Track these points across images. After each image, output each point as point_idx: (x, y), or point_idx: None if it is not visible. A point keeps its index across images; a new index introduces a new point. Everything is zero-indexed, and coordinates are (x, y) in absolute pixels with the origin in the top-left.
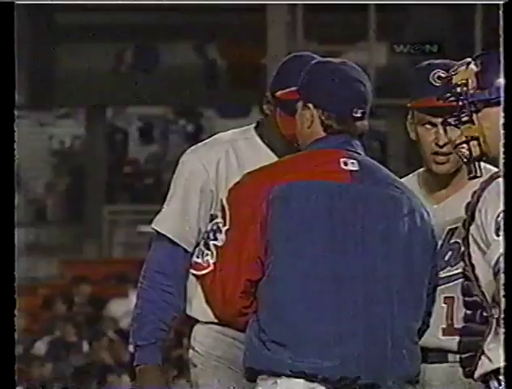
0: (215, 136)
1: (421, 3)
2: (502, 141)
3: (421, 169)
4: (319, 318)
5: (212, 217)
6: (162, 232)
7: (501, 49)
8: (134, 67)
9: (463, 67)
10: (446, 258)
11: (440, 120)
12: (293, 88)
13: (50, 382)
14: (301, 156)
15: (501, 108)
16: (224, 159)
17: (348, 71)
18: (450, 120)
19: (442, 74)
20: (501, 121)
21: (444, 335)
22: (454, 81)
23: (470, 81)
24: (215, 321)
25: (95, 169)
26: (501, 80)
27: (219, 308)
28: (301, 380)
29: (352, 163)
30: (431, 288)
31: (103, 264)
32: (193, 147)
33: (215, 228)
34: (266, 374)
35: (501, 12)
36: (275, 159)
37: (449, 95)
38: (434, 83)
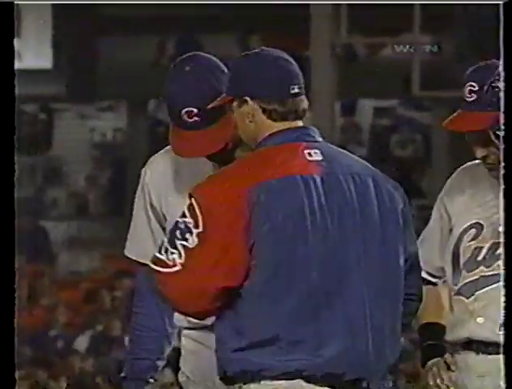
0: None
1: (424, 3)
2: (502, 140)
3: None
4: (304, 317)
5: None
6: (127, 255)
7: (501, 49)
8: (175, 59)
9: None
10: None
11: None
12: (224, 95)
13: (92, 377)
14: (267, 153)
15: None
16: (162, 169)
17: (271, 54)
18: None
19: (473, 88)
20: (501, 121)
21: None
22: None
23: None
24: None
25: (136, 162)
26: None
27: (184, 306)
28: (283, 381)
29: (316, 153)
30: (408, 269)
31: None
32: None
33: (182, 227)
34: (246, 378)
35: (501, 12)
36: (207, 162)
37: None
38: (468, 98)
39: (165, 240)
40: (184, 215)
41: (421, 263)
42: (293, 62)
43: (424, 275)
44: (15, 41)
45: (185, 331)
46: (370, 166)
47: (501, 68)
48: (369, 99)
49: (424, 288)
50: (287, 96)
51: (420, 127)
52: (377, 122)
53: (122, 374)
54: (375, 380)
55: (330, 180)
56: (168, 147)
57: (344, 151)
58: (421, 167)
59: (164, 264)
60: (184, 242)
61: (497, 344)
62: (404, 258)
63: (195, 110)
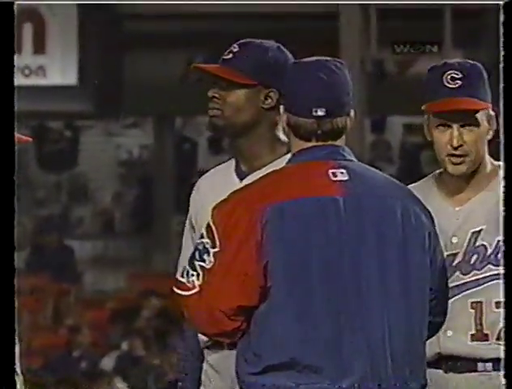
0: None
1: (424, 3)
2: (502, 141)
3: (437, 171)
4: (321, 341)
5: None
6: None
7: (501, 49)
8: (203, 76)
9: None
10: (472, 261)
11: (456, 124)
12: None
13: None
14: (289, 171)
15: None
16: (199, 192)
17: (312, 70)
18: None
19: (455, 75)
20: (501, 120)
21: (473, 340)
22: None
23: None
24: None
25: (163, 180)
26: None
27: (205, 328)
28: None
29: (342, 173)
30: (438, 295)
31: (172, 277)
32: None
33: (201, 248)
34: None
35: (501, 12)
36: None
37: None
38: (448, 84)
39: (187, 262)
40: (202, 236)
41: None
42: (335, 81)
43: None
44: (40, 58)
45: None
46: (403, 186)
47: (501, 67)
48: (399, 115)
49: None
50: (307, 117)
51: None
52: (407, 139)
53: None
54: None
55: (352, 202)
56: (214, 169)
57: (377, 171)
58: None
59: (184, 287)
60: (202, 263)
61: (468, 360)
62: (431, 284)
63: None
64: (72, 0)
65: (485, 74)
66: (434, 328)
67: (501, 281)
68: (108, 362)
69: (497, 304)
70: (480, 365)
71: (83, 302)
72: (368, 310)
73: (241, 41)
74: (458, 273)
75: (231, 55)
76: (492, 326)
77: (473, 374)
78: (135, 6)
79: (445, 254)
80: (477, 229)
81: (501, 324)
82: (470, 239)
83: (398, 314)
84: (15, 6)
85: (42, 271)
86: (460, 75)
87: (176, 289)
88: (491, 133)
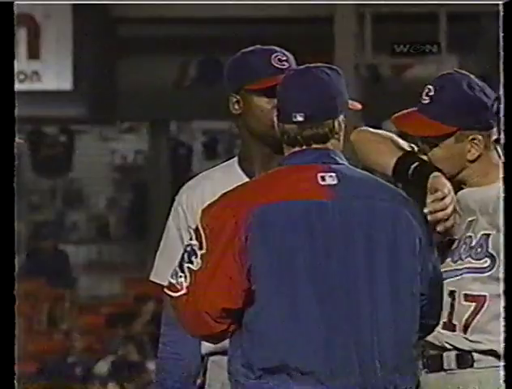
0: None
1: (424, 3)
2: (502, 141)
3: None
4: (310, 345)
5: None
6: (153, 280)
7: (501, 49)
8: (198, 80)
9: None
10: (461, 250)
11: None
12: None
13: None
14: (277, 174)
15: None
16: (200, 192)
17: (295, 77)
18: None
19: (428, 91)
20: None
21: (443, 329)
22: None
23: None
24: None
25: (158, 185)
26: None
27: (193, 330)
28: None
29: (331, 176)
30: (430, 301)
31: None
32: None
33: (189, 249)
34: None
35: (501, 12)
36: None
37: None
38: (421, 99)
39: (177, 263)
40: (191, 238)
41: None
42: (321, 86)
43: None
44: (35, 63)
45: (211, 358)
46: (394, 190)
47: (501, 72)
48: None
49: None
50: (288, 122)
51: None
52: None
53: None
54: None
55: (341, 205)
56: (203, 173)
57: (369, 174)
58: None
59: (173, 288)
60: (190, 265)
61: (435, 347)
62: (422, 290)
63: None
64: (70, 0)
65: (469, 93)
66: (427, 330)
67: (475, 275)
68: (102, 367)
69: (466, 297)
70: (445, 363)
71: (78, 307)
72: (356, 314)
73: (278, 50)
74: (449, 259)
75: (287, 64)
76: (458, 317)
77: (442, 373)
78: (130, 10)
79: (448, 237)
80: (472, 219)
81: (466, 317)
82: (466, 228)
83: (386, 318)
84: (15, 7)
85: (37, 276)
86: (432, 93)
87: (166, 290)
88: (471, 153)
